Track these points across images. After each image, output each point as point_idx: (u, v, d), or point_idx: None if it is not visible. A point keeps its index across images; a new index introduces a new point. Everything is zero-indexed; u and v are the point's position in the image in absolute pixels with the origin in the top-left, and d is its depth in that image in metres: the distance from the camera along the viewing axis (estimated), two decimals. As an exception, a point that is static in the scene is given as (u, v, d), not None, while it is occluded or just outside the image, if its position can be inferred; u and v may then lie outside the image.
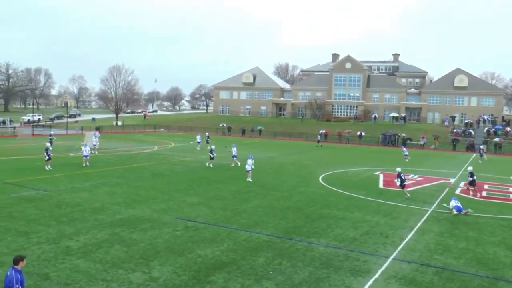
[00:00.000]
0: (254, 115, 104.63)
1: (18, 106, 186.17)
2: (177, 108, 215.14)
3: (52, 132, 51.20)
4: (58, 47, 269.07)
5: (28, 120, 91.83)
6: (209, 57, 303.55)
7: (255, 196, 23.34)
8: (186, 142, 54.12)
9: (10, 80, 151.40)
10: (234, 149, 36.54)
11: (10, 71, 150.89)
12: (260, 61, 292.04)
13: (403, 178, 24.83)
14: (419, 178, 32.61)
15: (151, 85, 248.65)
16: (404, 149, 47.77)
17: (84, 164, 33.12)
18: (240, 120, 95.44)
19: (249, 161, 29.20)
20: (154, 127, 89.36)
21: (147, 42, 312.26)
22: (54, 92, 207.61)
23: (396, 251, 14.82)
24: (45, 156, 31.09)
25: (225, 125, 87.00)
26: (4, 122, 79.99)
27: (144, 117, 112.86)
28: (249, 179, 28.49)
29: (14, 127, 70.63)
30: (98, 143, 43.91)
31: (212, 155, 35.08)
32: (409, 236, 16.80)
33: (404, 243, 15.85)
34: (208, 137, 52.37)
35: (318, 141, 64.36)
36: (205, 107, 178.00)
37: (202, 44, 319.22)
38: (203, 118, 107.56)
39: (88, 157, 33.95)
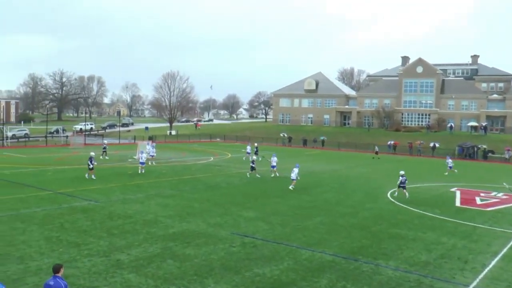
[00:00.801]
0: (316, 124, 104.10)
1: (71, 114, 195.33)
2: (234, 116, 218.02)
3: (106, 142, 53.23)
4: (111, 55, 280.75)
5: (81, 129, 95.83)
6: (268, 63, 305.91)
7: (318, 212, 23.07)
8: (244, 153, 54.49)
9: (64, 88, 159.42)
10: (274, 159, 37.36)
11: (63, 79, 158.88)
12: (323, 66, 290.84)
13: (403, 180, 28.59)
14: (504, 197, 30.97)
15: (207, 93, 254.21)
16: (449, 160, 45.44)
17: (139, 171, 35.76)
18: (302, 130, 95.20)
19: (295, 169, 30.98)
20: (209, 136, 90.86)
21: (203, 48, 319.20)
22: (106, 100, 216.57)
23: (477, 280, 14.05)
24: (89, 165, 32.35)
25: (285, 135, 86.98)
26: (57, 131, 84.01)
27: (196, 126, 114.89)
28: (291, 187, 30.41)
29: (67, 136, 74.12)
30: (155, 154, 44.85)
31: (253, 165, 36.15)
32: (493, 262, 15.90)
33: (486, 270, 15.01)
34: (257, 148, 52.36)
35: (376, 153, 62.90)
36: (264, 116, 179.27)
37: (261, 50, 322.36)
38: (261, 127, 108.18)
39: (144, 165, 36.67)
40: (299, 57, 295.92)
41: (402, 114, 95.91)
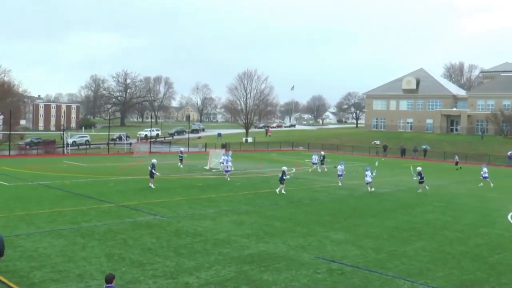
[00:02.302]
0: (417, 131, 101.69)
1: (135, 119, 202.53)
2: (320, 121, 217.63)
3: (182, 149, 55.49)
4: (180, 53, 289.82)
5: (146, 135, 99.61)
6: (360, 59, 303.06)
7: (419, 236, 22.58)
8: (331, 163, 54.15)
9: (128, 91, 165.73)
10: (341, 167, 40.00)
11: (128, 81, 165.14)
12: (426, 62, 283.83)
13: (421, 176, 36.68)
14: None
15: (288, 95, 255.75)
16: (485, 169, 43.33)
17: (227, 178, 39.79)
18: (399, 137, 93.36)
19: (368, 173, 36.20)
20: (291, 144, 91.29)
21: (283, 44, 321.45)
22: (174, 103, 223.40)
23: None
24: (151, 173, 34.87)
25: (378, 143, 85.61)
26: (120, 138, 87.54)
27: (266, 133, 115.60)
28: (372, 189, 36.17)
29: (130, 143, 77.27)
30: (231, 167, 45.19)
31: (283, 177, 34.14)
32: None
33: None
34: (324, 157, 52.02)
35: (457, 163, 62.01)
36: (354, 121, 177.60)
37: (352, 45, 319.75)
38: (352, 134, 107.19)
39: (229, 172, 40.61)
40: (396, 52, 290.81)
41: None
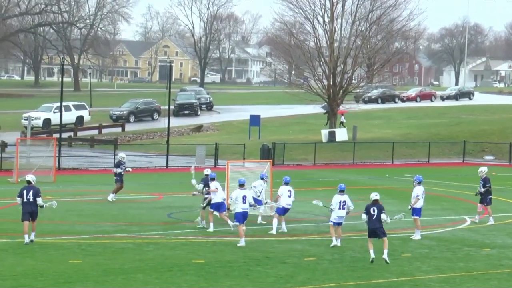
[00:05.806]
0: None
1: (18, 78, 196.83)
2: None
3: (123, 155, 52.52)
4: None
5: (47, 121, 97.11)
6: None
7: None
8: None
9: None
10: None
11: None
12: None
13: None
14: None
15: (451, 11, 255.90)
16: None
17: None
18: None
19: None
20: (462, 148, 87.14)
21: None
22: (128, 33, 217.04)
23: None
24: (42, 204, 34.08)
25: None
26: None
27: (327, 121, 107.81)
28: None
29: (4, 145, 75.86)
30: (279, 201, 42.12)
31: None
32: None
33: None
34: (488, 184, 45.28)
35: None
36: None
37: None
38: None
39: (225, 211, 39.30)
40: None
41: None
